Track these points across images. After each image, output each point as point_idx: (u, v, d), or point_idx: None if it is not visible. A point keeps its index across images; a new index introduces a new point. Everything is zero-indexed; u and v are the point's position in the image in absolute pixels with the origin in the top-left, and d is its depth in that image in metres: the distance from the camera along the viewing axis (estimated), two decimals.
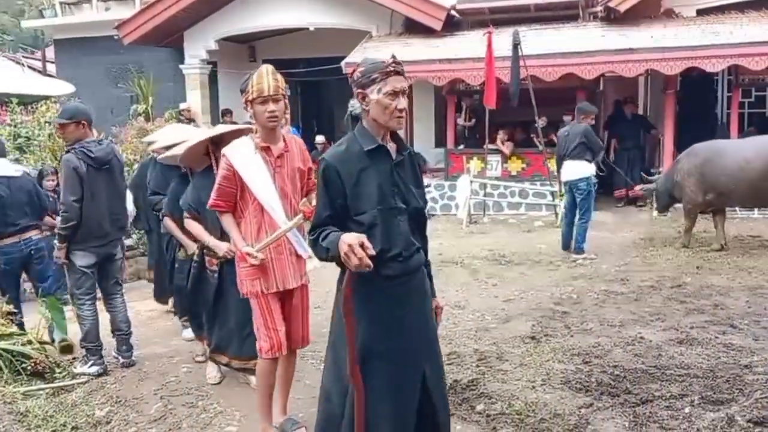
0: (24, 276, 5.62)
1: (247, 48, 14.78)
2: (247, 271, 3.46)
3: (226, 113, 13.35)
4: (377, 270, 2.40)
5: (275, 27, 13.31)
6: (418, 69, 10.48)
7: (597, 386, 3.94)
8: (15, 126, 10.55)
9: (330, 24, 12.68)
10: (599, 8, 11.55)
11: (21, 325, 5.18)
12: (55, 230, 4.67)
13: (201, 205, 3.96)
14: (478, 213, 10.82)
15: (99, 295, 4.94)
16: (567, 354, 4.50)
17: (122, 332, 4.90)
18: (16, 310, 5.11)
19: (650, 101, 12.18)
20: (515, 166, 11.30)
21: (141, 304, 6.81)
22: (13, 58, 18.08)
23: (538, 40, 10.68)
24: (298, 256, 3.55)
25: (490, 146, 11.02)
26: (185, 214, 4.21)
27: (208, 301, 4.22)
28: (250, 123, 3.69)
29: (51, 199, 6.30)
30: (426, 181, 10.38)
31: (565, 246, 7.81)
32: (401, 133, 2.78)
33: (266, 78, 3.33)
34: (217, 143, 3.99)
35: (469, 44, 11.16)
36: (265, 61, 3.53)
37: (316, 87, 14.77)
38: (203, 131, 5.37)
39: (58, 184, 6.20)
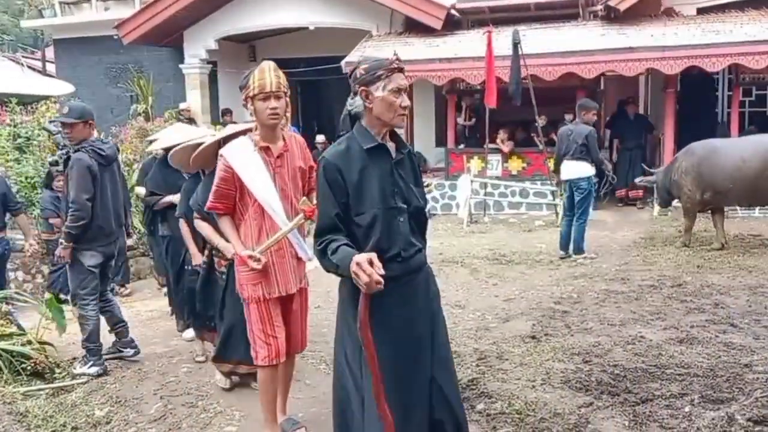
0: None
1: (247, 47, 14.78)
2: (248, 276, 3.36)
3: (226, 113, 13.36)
4: None
5: (275, 26, 13.30)
6: (418, 68, 10.48)
7: (597, 385, 3.93)
8: (15, 126, 10.56)
9: (330, 23, 12.68)
10: (599, 7, 11.53)
11: None
12: (63, 229, 4.62)
13: None
14: (478, 212, 10.81)
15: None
16: (567, 353, 4.50)
17: (124, 323, 4.96)
18: None
19: (650, 100, 12.17)
20: (516, 165, 11.29)
21: (141, 304, 6.83)
22: (13, 58, 18.08)
23: (538, 39, 10.67)
24: (299, 259, 3.47)
25: (491, 145, 11.01)
26: (195, 214, 4.14)
27: (217, 303, 4.16)
28: (250, 122, 3.65)
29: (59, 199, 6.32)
30: (426, 180, 10.40)
31: (564, 247, 7.72)
32: (401, 132, 2.77)
33: (268, 74, 3.25)
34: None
35: (469, 43, 11.16)
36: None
37: (317, 86, 14.77)
38: (204, 131, 5.36)
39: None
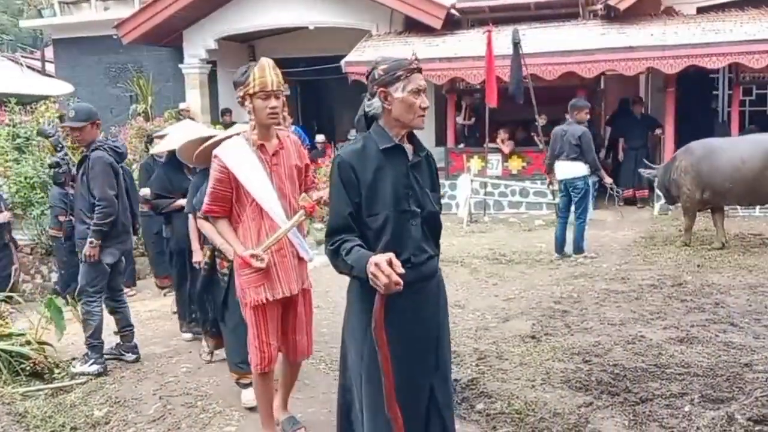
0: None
1: (246, 47, 14.77)
2: (250, 279, 3.26)
3: (226, 113, 13.34)
4: None
5: (275, 26, 13.29)
6: None
7: (597, 385, 3.93)
8: (14, 126, 10.56)
9: (330, 23, 12.66)
10: (599, 6, 11.52)
11: None
12: (91, 227, 4.59)
13: None
14: (478, 212, 10.80)
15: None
16: (567, 353, 4.49)
17: (131, 327, 4.97)
18: None
19: (651, 99, 12.16)
20: (516, 164, 11.28)
21: (140, 304, 6.83)
22: (12, 57, 18.07)
23: (538, 38, 10.65)
24: (300, 259, 3.40)
25: (491, 145, 11.00)
26: (198, 214, 4.03)
27: (218, 305, 4.08)
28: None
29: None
30: None
31: (559, 249, 7.67)
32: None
33: (269, 72, 3.18)
34: None
35: (469, 43, 11.15)
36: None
37: (316, 86, 14.76)
38: (214, 131, 5.29)
39: (72, 185, 6.14)
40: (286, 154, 3.36)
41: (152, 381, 4.51)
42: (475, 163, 11.36)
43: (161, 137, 6.03)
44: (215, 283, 4.15)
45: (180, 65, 13.93)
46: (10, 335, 4.83)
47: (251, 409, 3.86)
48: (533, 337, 4.86)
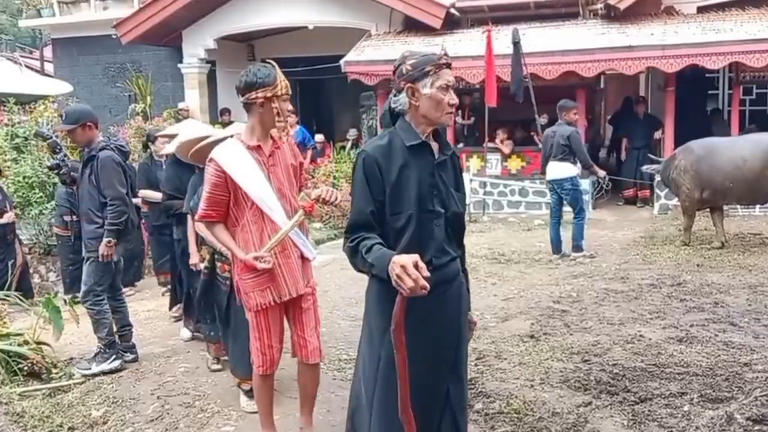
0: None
1: (246, 47, 14.76)
2: (254, 282, 3.20)
3: (225, 112, 13.34)
4: None
5: (274, 26, 13.28)
6: None
7: (596, 385, 3.92)
8: (12, 126, 10.55)
9: (329, 22, 12.65)
10: (599, 6, 11.50)
11: None
12: (105, 227, 4.58)
13: None
14: (477, 211, 10.79)
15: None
16: (566, 352, 4.48)
17: (130, 327, 4.98)
18: None
19: (651, 99, 12.15)
20: (515, 164, 11.27)
21: (139, 304, 6.82)
22: (11, 57, 18.04)
23: (538, 38, 10.65)
24: (305, 259, 3.36)
25: (490, 144, 10.99)
26: (197, 216, 3.90)
27: (221, 309, 4.05)
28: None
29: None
30: None
31: (556, 250, 7.65)
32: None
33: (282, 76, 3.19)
34: None
35: (468, 42, 11.13)
36: (263, 61, 3.39)
37: (315, 86, 14.75)
38: (220, 131, 5.25)
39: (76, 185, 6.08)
40: (282, 154, 3.32)
41: (150, 381, 4.50)
42: (474, 163, 11.35)
43: (166, 137, 5.99)
44: (216, 286, 4.13)
45: (179, 65, 13.92)
46: (7, 335, 4.82)
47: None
48: (532, 337, 4.86)
